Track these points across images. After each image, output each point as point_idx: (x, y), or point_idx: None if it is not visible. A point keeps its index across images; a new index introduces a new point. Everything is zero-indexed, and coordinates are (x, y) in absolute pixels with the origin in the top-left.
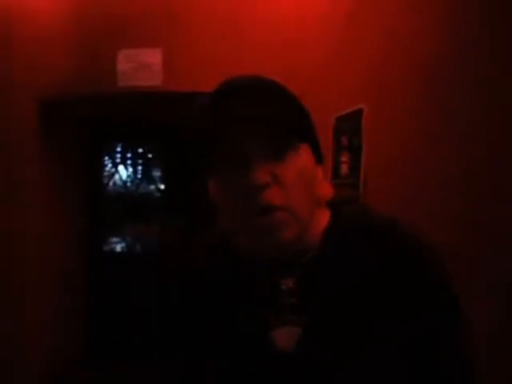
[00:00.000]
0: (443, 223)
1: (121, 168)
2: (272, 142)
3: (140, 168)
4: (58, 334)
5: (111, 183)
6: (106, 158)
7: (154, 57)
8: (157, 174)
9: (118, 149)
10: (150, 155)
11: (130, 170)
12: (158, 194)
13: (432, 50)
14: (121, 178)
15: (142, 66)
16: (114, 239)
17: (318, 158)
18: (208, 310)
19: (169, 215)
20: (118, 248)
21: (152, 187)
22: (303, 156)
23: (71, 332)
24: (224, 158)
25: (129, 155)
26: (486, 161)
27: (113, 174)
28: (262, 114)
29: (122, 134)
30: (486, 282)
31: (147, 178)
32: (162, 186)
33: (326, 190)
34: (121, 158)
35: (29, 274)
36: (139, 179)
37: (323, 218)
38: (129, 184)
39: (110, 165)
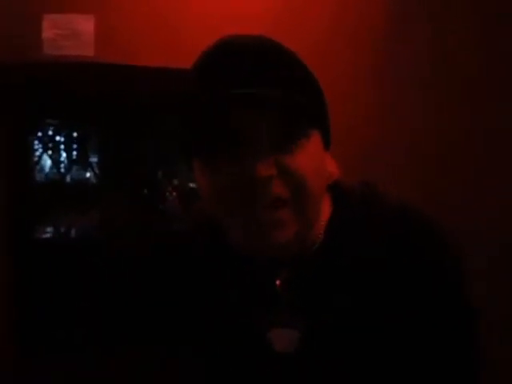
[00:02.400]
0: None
1: (52, 152)
2: (280, 127)
3: (74, 153)
4: None
5: (41, 168)
6: (36, 141)
7: (85, 24)
8: (94, 159)
9: (50, 132)
10: (84, 138)
11: (63, 154)
12: (95, 180)
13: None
14: (53, 162)
15: (71, 34)
16: (47, 228)
17: (327, 144)
18: (196, 295)
19: (110, 201)
20: (50, 236)
21: (88, 173)
22: (313, 145)
23: None
24: (219, 140)
25: (61, 139)
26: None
27: (40, 158)
28: (271, 94)
29: (52, 112)
30: None
31: (82, 162)
32: (99, 172)
33: (332, 172)
34: (52, 141)
35: None
36: (73, 164)
37: (325, 205)
38: (62, 170)
39: (40, 149)
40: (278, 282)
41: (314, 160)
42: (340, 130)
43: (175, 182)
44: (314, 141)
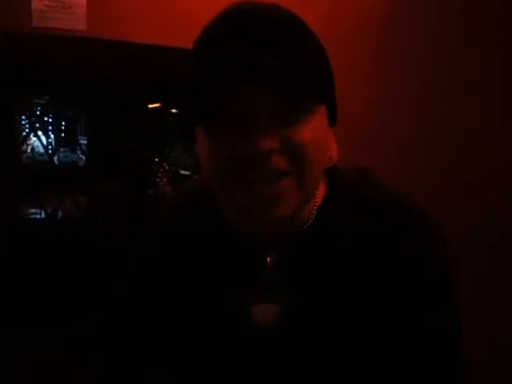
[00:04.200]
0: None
1: (40, 133)
2: (285, 100)
3: (62, 134)
4: None
5: (29, 149)
6: (24, 122)
7: None
8: (83, 141)
9: (37, 112)
10: (73, 119)
11: (51, 135)
12: (83, 163)
13: None
14: (42, 143)
15: (61, 6)
16: (33, 209)
17: (332, 120)
18: (174, 278)
19: (99, 183)
20: (37, 217)
21: (76, 155)
22: (318, 120)
23: None
24: (222, 112)
25: (49, 119)
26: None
27: (26, 139)
28: (279, 65)
29: (40, 89)
30: None
31: (70, 144)
32: (87, 154)
33: (332, 155)
34: (40, 121)
35: None
36: (61, 145)
37: (320, 188)
38: (50, 151)
39: (26, 129)
40: (268, 259)
41: (317, 135)
42: (339, 122)
43: (166, 167)
44: (320, 116)
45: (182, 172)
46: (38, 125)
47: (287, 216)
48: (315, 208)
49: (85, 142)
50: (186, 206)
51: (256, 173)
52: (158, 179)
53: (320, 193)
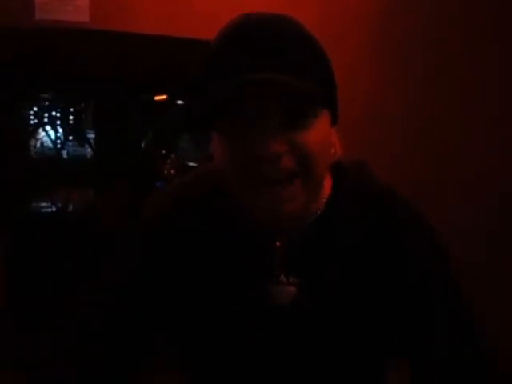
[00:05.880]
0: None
1: (48, 128)
2: (292, 107)
3: (70, 128)
4: None
5: (38, 144)
6: (32, 116)
7: None
8: (90, 135)
9: (45, 107)
10: (81, 113)
11: (60, 129)
12: (91, 157)
13: None
14: (50, 138)
15: None
16: (43, 203)
17: (334, 119)
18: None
19: (106, 178)
20: (46, 212)
21: (84, 149)
22: (322, 123)
23: None
24: (234, 118)
25: (57, 114)
26: None
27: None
28: (285, 80)
29: (45, 84)
30: None
31: (78, 138)
32: (95, 148)
33: (336, 151)
34: (48, 116)
35: None
36: (69, 140)
37: (327, 182)
38: (58, 145)
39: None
40: (277, 244)
41: (322, 137)
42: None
43: (174, 159)
44: (323, 119)
45: (190, 164)
46: (45, 120)
47: (296, 213)
48: (323, 201)
49: (92, 135)
50: (198, 191)
51: (268, 174)
52: (165, 171)
53: (327, 185)
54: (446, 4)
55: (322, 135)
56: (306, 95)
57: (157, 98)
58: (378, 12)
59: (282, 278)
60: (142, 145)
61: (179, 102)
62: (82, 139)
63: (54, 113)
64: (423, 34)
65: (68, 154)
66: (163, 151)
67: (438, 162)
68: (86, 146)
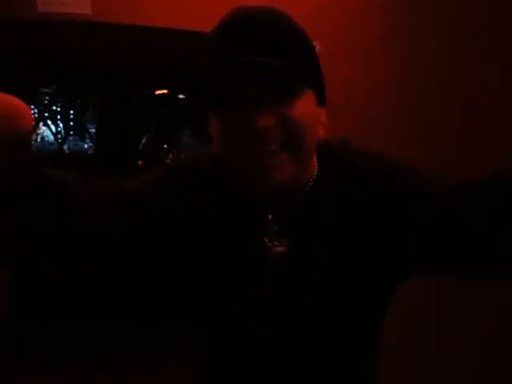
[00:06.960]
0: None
1: (49, 122)
2: (278, 89)
3: (71, 123)
4: None
5: (39, 138)
6: (32, 111)
7: None
8: (91, 130)
9: (46, 101)
10: (82, 107)
11: (61, 124)
12: (92, 151)
13: None
14: (51, 132)
15: None
16: None
17: (321, 100)
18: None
19: (106, 173)
20: None
21: (85, 143)
22: (307, 101)
23: None
24: (227, 97)
25: (58, 108)
26: None
27: (35, 128)
28: (273, 63)
29: (47, 78)
30: None
31: (80, 132)
32: (97, 142)
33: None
34: (49, 110)
35: None
36: (71, 134)
37: (315, 158)
38: (59, 140)
39: (35, 117)
40: (270, 216)
41: (307, 114)
42: (340, 107)
43: (174, 153)
44: (308, 98)
45: None
46: (46, 114)
47: (285, 181)
48: (313, 176)
49: (93, 130)
50: (208, 164)
51: (259, 146)
52: None
53: (315, 161)
54: (446, 4)
55: (307, 112)
56: (289, 74)
57: (158, 92)
58: (378, 9)
59: (273, 241)
60: (144, 139)
61: (181, 96)
62: (83, 134)
63: (54, 107)
64: (423, 34)
65: (69, 148)
66: (165, 145)
67: (438, 162)
68: (88, 140)
